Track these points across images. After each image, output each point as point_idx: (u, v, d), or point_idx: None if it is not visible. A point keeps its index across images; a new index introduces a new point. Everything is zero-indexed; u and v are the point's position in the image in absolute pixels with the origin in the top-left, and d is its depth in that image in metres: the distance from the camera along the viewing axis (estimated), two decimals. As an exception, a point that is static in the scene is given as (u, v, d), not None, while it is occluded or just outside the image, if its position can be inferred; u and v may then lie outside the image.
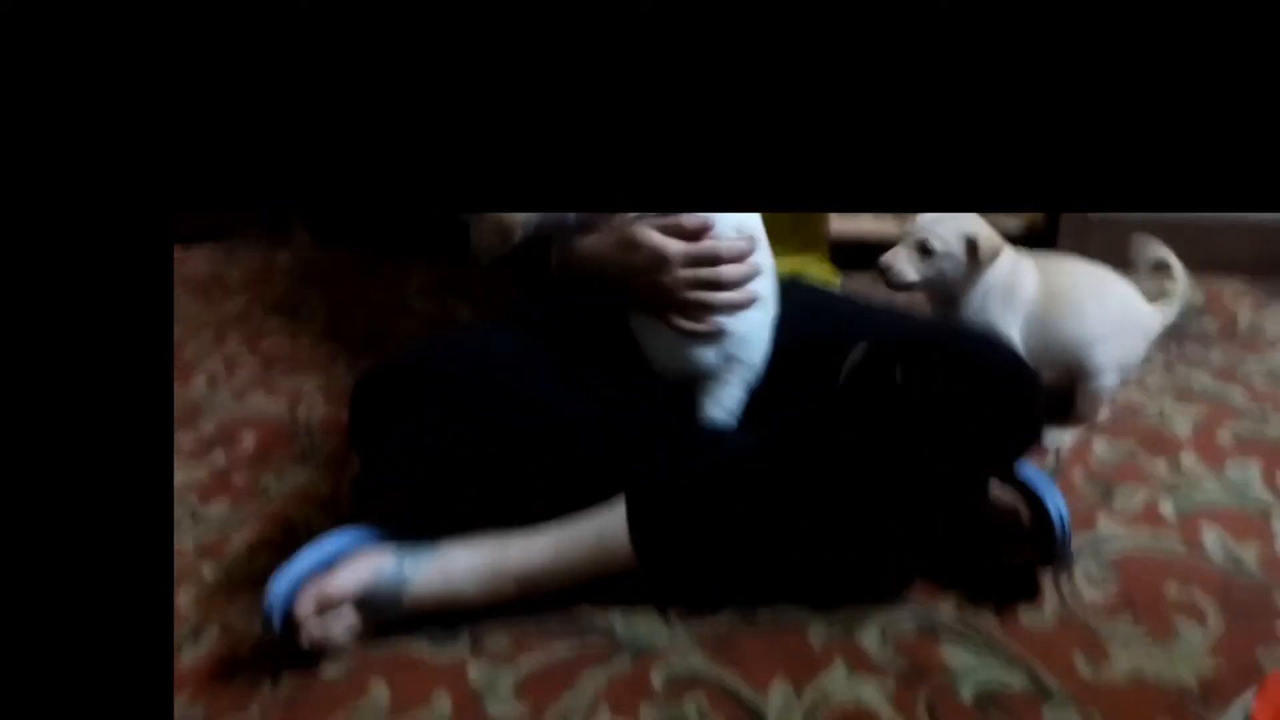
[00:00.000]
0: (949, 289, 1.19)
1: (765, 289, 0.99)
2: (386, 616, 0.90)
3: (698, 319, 0.95)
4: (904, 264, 1.16)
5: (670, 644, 0.89)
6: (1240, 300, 1.71)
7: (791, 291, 1.14)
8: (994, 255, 1.16)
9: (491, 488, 0.96)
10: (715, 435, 0.98)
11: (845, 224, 1.95)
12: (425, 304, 1.90)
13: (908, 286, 1.17)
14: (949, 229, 1.15)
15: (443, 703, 0.85)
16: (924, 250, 1.16)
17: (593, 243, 0.98)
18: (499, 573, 0.92)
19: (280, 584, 0.88)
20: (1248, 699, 0.69)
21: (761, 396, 1.04)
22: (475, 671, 0.88)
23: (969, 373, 0.89)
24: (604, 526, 0.93)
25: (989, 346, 0.94)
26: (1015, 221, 1.94)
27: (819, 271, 1.25)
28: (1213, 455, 1.19)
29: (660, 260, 0.93)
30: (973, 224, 1.17)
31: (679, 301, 0.94)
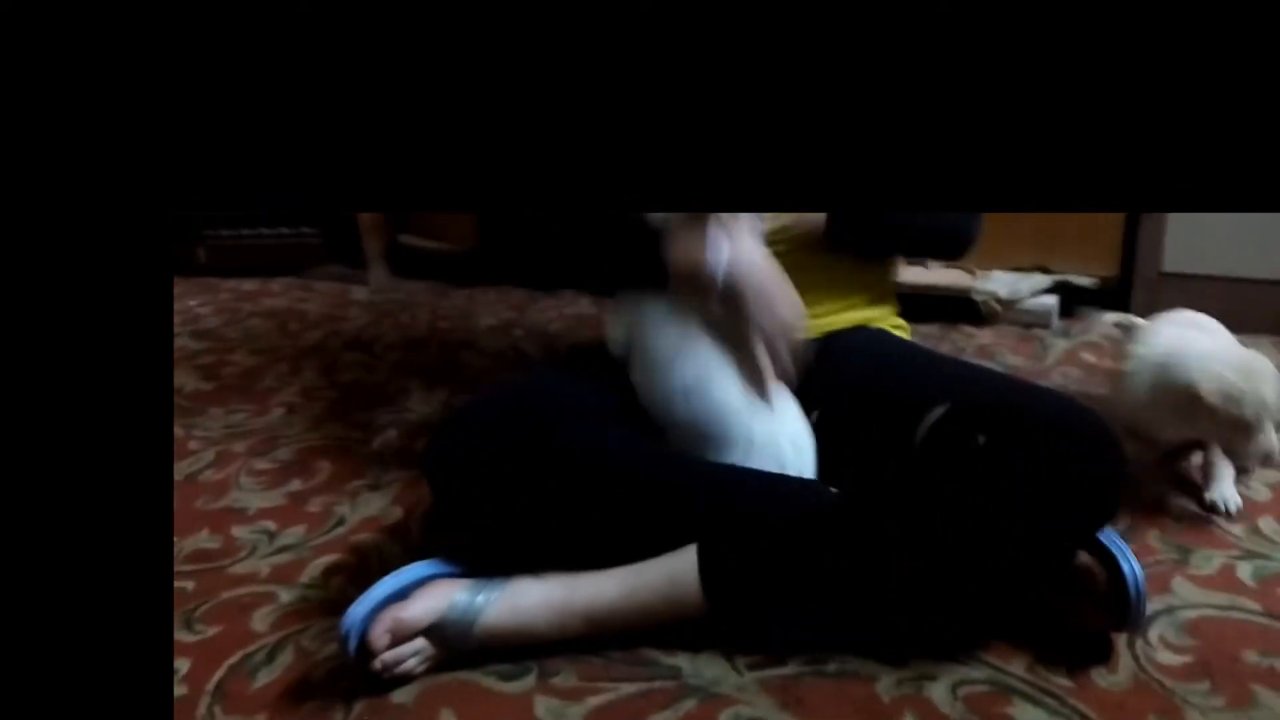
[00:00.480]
0: None
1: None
2: (457, 647, 0.92)
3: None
4: None
5: (737, 689, 0.90)
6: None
7: (870, 340, 1.14)
8: None
9: (562, 532, 0.97)
10: (791, 484, 0.99)
11: (913, 276, 1.95)
12: (493, 339, 1.94)
13: None
14: None
15: (511, 736, 0.86)
16: None
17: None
18: (569, 609, 0.94)
19: (357, 611, 0.90)
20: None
21: (837, 444, 1.04)
22: (543, 706, 0.88)
23: (1052, 438, 0.89)
24: (674, 571, 0.93)
25: (1071, 411, 0.93)
26: (1089, 278, 1.92)
27: (890, 325, 1.25)
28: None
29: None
30: None
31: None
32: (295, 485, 1.34)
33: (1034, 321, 1.88)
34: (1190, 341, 1.17)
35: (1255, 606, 1.00)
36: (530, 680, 0.92)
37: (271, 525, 1.23)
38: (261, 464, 1.41)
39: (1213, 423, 1.09)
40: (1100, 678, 0.89)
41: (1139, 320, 1.30)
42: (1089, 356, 1.72)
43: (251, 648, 0.99)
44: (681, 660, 0.93)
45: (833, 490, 0.97)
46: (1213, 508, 1.14)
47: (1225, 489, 1.15)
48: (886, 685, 0.89)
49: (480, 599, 0.92)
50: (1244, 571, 1.06)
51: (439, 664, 0.93)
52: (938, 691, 0.88)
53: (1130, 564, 0.91)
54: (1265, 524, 1.16)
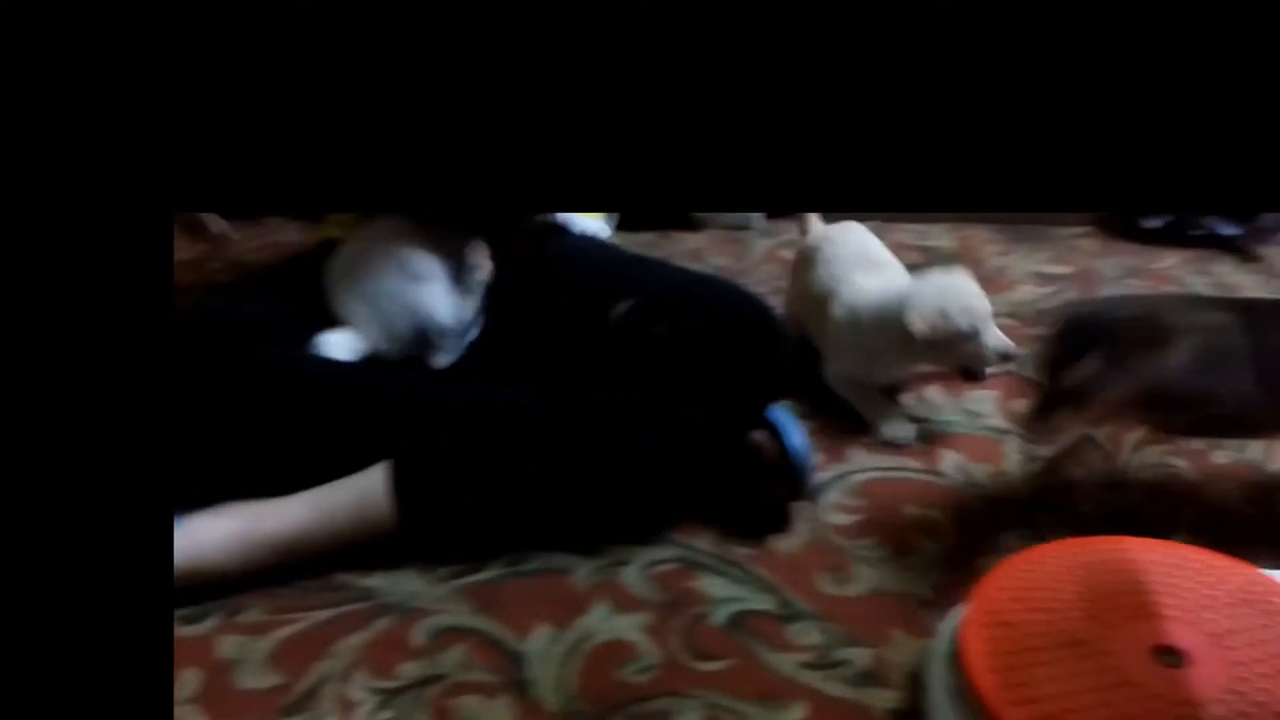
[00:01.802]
0: None
1: None
2: (127, 596, 0.85)
3: None
4: None
5: (434, 601, 0.88)
6: (988, 246, 1.84)
7: (561, 243, 1.16)
8: None
9: (245, 455, 0.92)
10: (478, 391, 0.98)
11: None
12: (186, 274, 1.80)
13: None
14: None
15: (190, 679, 0.81)
16: None
17: None
18: (253, 540, 0.89)
19: None
20: (962, 606, 0.75)
21: (527, 346, 1.04)
22: (225, 645, 0.84)
23: (721, 324, 0.96)
24: (364, 488, 0.91)
25: (739, 299, 1.01)
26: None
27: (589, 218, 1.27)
28: (955, 386, 1.27)
29: None
30: None
31: None
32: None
33: (736, 224, 1.97)
34: (883, 288, 1.17)
35: (917, 465, 1.09)
36: (213, 621, 0.87)
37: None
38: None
39: (937, 351, 1.12)
40: (779, 544, 0.95)
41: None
42: (787, 254, 1.80)
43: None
44: (377, 580, 0.91)
45: (521, 392, 0.97)
46: (892, 444, 1.13)
47: (892, 428, 1.15)
48: (582, 575, 0.91)
49: (150, 542, 0.86)
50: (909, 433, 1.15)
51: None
52: (629, 575, 0.91)
53: (795, 436, 0.97)
54: (930, 390, 1.26)
